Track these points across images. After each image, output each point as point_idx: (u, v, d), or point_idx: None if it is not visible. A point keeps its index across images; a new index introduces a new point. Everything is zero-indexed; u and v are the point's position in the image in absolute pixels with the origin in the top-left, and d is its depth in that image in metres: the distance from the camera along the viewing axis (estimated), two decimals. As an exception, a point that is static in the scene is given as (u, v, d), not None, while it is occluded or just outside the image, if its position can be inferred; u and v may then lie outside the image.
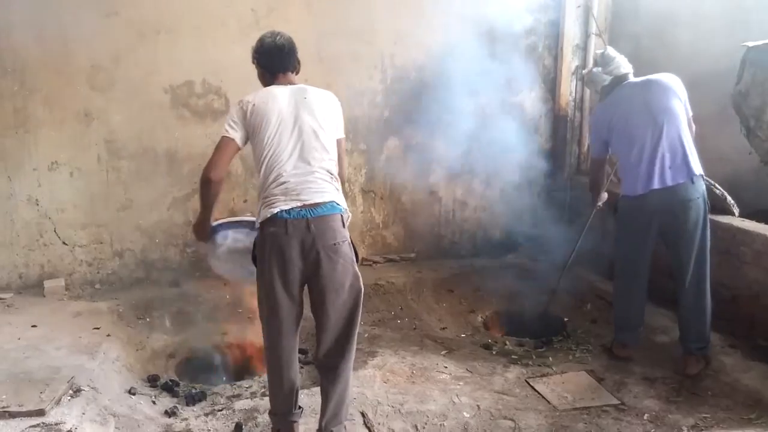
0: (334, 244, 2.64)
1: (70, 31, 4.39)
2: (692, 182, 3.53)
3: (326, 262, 2.63)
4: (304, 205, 2.61)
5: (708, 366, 3.62)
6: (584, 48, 5.53)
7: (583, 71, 4.08)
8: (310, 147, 2.68)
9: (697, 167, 3.57)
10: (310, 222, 2.60)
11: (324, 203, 2.64)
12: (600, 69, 3.80)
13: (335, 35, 4.88)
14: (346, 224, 2.72)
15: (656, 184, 3.54)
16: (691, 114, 3.67)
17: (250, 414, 3.18)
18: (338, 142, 2.82)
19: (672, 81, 3.63)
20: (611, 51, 3.83)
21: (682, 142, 3.55)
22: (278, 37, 2.85)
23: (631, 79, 3.76)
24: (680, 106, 3.59)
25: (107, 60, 4.52)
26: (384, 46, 5.10)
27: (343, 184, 2.78)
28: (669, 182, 3.53)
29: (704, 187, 3.61)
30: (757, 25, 4.28)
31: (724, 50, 4.26)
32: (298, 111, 2.71)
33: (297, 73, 2.90)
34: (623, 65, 3.76)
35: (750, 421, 3.10)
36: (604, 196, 4.10)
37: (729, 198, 4.09)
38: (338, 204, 2.69)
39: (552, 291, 4.50)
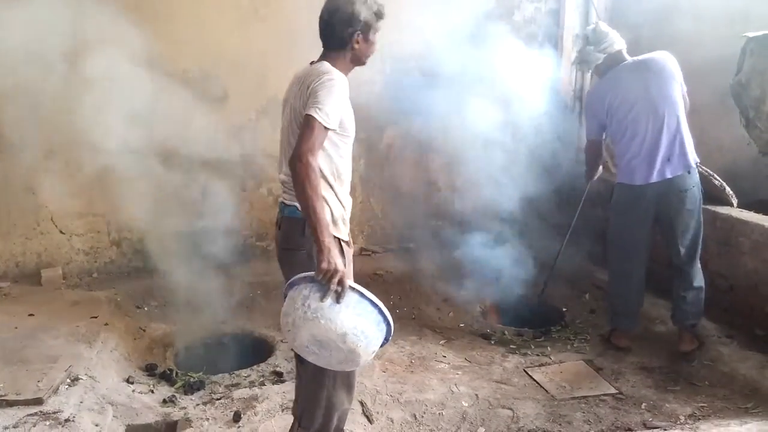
0: (285, 249, 2.49)
1: (65, 17, 4.34)
2: (689, 173, 3.55)
3: (283, 264, 2.53)
4: (283, 201, 2.53)
5: (701, 348, 3.67)
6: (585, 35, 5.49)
7: (576, 50, 3.93)
8: (285, 148, 2.48)
9: (693, 158, 3.58)
10: (280, 219, 2.53)
11: (288, 205, 2.45)
12: (592, 48, 3.68)
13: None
14: (307, 233, 2.33)
15: (655, 178, 3.55)
16: (686, 89, 3.63)
17: (248, 403, 3.18)
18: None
19: (668, 61, 3.59)
20: (603, 26, 3.73)
21: (681, 133, 3.55)
22: (328, 2, 2.46)
23: (626, 56, 3.68)
24: (678, 91, 3.57)
25: (102, 46, 4.48)
26: (383, 36, 5.05)
27: (292, 160, 2.21)
28: (668, 175, 3.54)
29: (698, 175, 3.63)
30: (757, 16, 4.26)
31: (725, 40, 4.25)
32: (286, 104, 2.50)
33: (344, 49, 2.46)
34: (617, 41, 3.67)
35: (747, 410, 3.11)
36: (600, 170, 4.01)
37: (728, 189, 4.09)
38: (299, 210, 2.32)
39: (549, 272, 4.51)
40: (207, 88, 4.78)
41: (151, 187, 4.71)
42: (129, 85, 4.53)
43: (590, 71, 3.90)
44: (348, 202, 2.52)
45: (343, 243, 2.43)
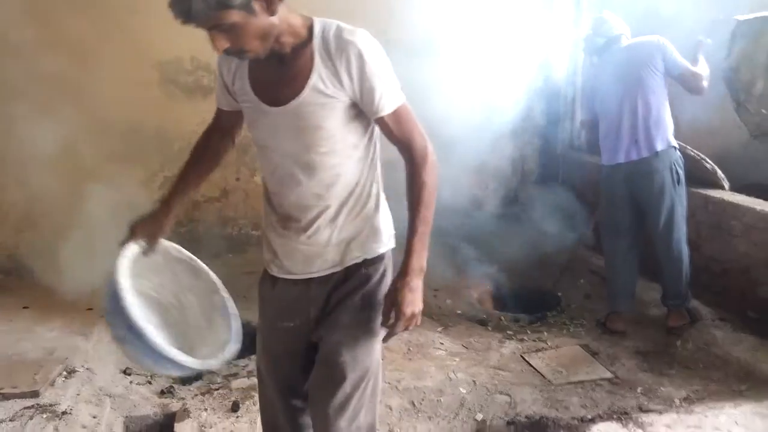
0: None
1: (56, 6, 4.29)
2: (656, 155, 3.62)
3: None
4: None
5: (691, 324, 3.75)
6: (578, 22, 5.48)
7: (582, 38, 4.16)
8: None
9: (662, 142, 3.62)
10: None
11: None
12: (592, 33, 3.87)
13: (324, 14, 4.76)
14: None
15: (621, 158, 3.68)
16: (686, 68, 3.59)
17: (247, 393, 3.17)
18: None
19: (651, 47, 3.64)
20: (605, 14, 3.88)
21: (651, 117, 3.61)
22: None
23: (623, 41, 3.80)
24: (654, 77, 3.61)
25: (94, 36, 4.43)
26: (378, 24, 4.97)
27: None
28: (633, 157, 3.65)
29: (675, 158, 3.67)
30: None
31: (714, 24, 4.23)
32: None
33: None
34: (616, 26, 3.80)
35: (741, 393, 3.14)
36: None
37: (719, 172, 4.11)
38: None
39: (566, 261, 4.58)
40: (199, 75, 4.74)
41: (143, 175, 4.69)
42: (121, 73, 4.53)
43: (590, 54, 4.03)
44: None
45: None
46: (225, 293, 2.04)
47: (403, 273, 1.76)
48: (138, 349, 1.74)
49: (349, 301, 1.85)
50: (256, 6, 1.57)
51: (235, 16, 1.55)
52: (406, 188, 1.82)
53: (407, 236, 1.79)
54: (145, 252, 1.90)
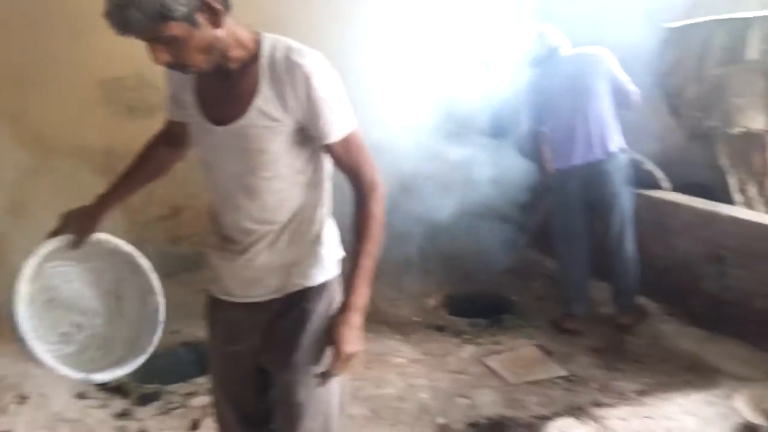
0: None
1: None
2: (610, 157, 3.80)
3: None
4: None
5: (642, 320, 3.91)
6: (519, 33, 5.59)
7: (518, 51, 4.26)
8: None
9: (614, 144, 3.81)
10: None
11: None
12: (532, 46, 4.00)
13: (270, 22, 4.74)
14: None
15: (577, 161, 3.83)
16: (624, 83, 3.82)
17: (206, 410, 3.13)
18: None
19: (597, 57, 3.82)
20: (543, 28, 4.03)
21: (601, 122, 3.79)
22: None
23: (562, 52, 3.95)
24: (602, 84, 3.79)
25: (34, 55, 4.33)
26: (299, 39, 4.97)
27: None
28: (588, 159, 3.80)
29: (625, 160, 3.87)
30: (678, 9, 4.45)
31: (648, 32, 4.42)
32: None
33: None
34: (555, 39, 3.95)
35: (689, 383, 3.27)
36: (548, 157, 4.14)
37: (659, 173, 4.29)
38: None
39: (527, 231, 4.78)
40: (144, 93, 4.67)
41: (91, 198, 4.59)
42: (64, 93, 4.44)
43: (532, 67, 4.12)
44: None
45: None
46: (161, 298, 1.98)
47: (342, 309, 1.69)
48: (25, 352, 1.77)
49: (295, 338, 1.78)
50: (200, 18, 1.48)
51: (175, 29, 1.46)
52: (353, 219, 1.73)
53: (350, 270, 1.69)
54: (74, 245, 1.84)
